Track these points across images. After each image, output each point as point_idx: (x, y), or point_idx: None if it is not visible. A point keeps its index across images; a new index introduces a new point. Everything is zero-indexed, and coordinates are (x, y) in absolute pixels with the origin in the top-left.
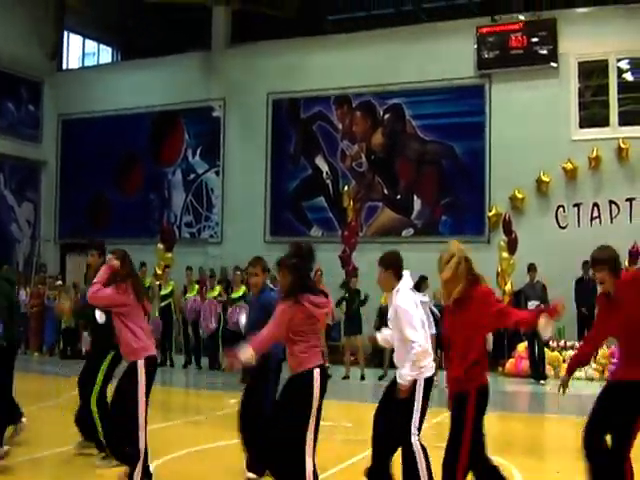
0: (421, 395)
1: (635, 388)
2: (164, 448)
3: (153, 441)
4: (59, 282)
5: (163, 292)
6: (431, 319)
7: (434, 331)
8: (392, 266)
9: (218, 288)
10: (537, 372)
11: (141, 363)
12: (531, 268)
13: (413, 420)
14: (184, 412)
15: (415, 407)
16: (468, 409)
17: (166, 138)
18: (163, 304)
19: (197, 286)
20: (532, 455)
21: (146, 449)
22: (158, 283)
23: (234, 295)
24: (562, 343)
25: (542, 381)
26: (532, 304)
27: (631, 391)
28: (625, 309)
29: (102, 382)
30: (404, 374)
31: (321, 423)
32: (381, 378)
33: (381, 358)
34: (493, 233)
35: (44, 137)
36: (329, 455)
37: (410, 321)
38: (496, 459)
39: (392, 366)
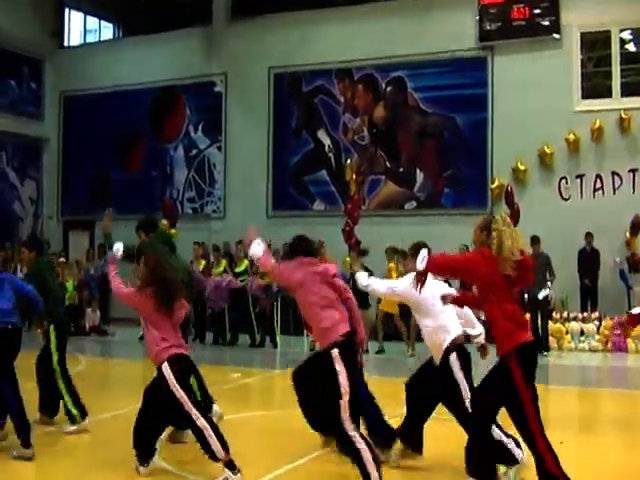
0: (458, 367)
1: None
2: None
3: None
4: (62, 259)
5: None
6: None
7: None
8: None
9: (224, 262)
10: (540, 344)
11: (165, 366)
12: (534, 240)
13: (464, 395)
14: None
15: (461, 386)
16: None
17: (168, 114)
18: None
19: (204, 261)
20: None
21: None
22: None
23: (237, 269)
24: (565, 314)
25: (545, 352)
26: (542, 294)
27: None
28: None
29: None
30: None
31: None
32: (379, 352)
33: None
34: (496, 205)
35: (46, 115)
36: None
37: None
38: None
39: (385, 339)
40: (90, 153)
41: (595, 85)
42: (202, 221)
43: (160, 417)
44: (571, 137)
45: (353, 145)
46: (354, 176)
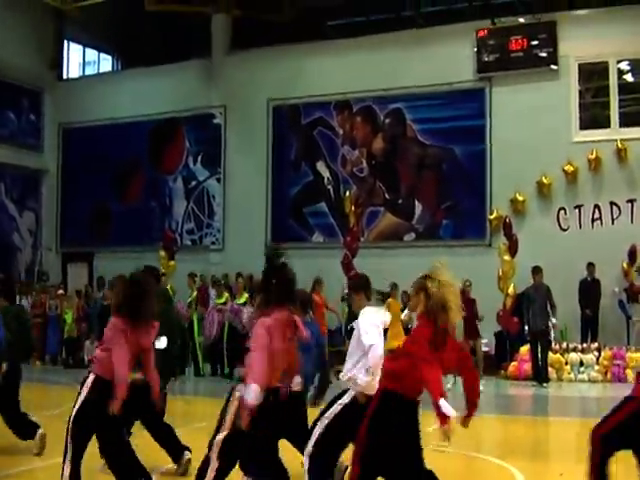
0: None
1: None
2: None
3: (159, 449)
4: (61, 291)
5: None
6: None
7: None
8: (362, 289)
9: (226, 295)
10: (540, 375)
11: (91, 378)
12: (536, 270)
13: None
14: (188, 419)
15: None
16: None
17: (167, 146)
18: None
19: (195, 293)
20: (535, 458)
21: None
22: None
23: (238, 301)
24: (564, 345)
25: (544, 384)
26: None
27: None
28: None
29: None
30: (360, 378)
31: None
32: None
33: None
34: (494, 236)
35: (45, 146)
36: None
37: (365, 329)
38: (499, 462)
39: None
40: (89, 184)
41: (593, 115)
42: (201, 253)
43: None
44: (569, 168)
45: (352, 177)
46: (353, 208)
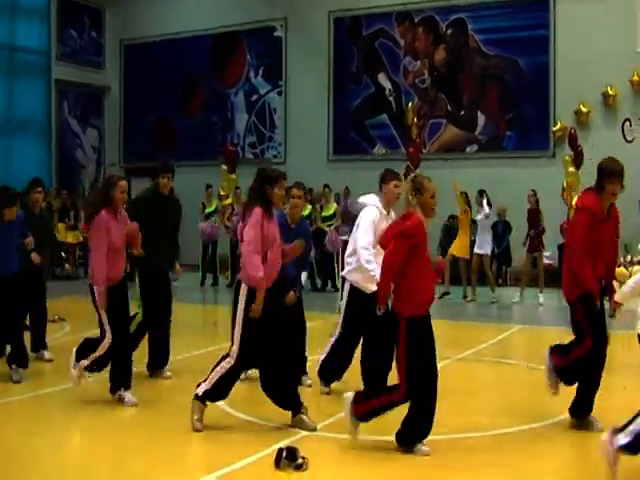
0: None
1: None
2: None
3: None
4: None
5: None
6: (489, 236)
7: (487, 251)
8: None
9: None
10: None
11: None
12: None
13: None
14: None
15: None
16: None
17: (228, 59)
18: None
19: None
20: None
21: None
22: (230, 204)
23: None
24: (629, 258)
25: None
26: None
27: None
28: None
29: None
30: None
31: None
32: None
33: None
34: (558, 148)
35: (107, 63)
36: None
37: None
38: None
39: (470, 283)
40: (151, 100)
41: None
42: (263, 166)
43: None
44: (635, 78)
45: (414, 88)
46: (415, 119)
